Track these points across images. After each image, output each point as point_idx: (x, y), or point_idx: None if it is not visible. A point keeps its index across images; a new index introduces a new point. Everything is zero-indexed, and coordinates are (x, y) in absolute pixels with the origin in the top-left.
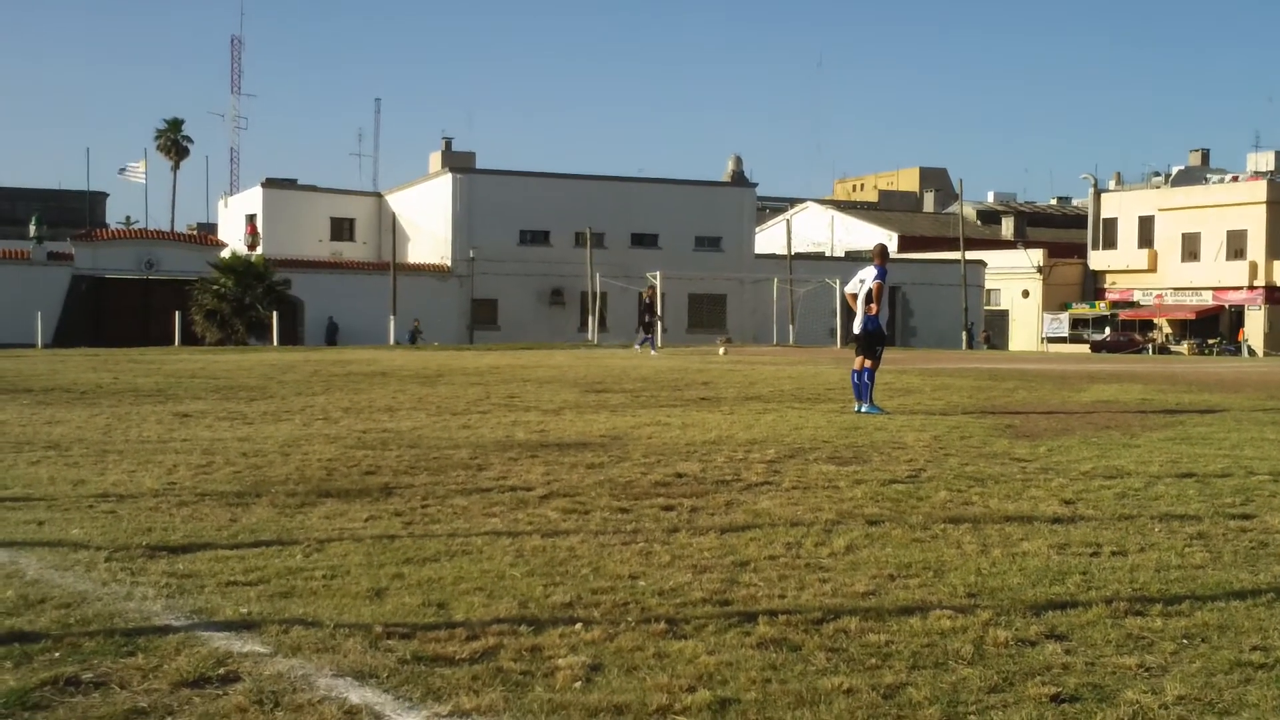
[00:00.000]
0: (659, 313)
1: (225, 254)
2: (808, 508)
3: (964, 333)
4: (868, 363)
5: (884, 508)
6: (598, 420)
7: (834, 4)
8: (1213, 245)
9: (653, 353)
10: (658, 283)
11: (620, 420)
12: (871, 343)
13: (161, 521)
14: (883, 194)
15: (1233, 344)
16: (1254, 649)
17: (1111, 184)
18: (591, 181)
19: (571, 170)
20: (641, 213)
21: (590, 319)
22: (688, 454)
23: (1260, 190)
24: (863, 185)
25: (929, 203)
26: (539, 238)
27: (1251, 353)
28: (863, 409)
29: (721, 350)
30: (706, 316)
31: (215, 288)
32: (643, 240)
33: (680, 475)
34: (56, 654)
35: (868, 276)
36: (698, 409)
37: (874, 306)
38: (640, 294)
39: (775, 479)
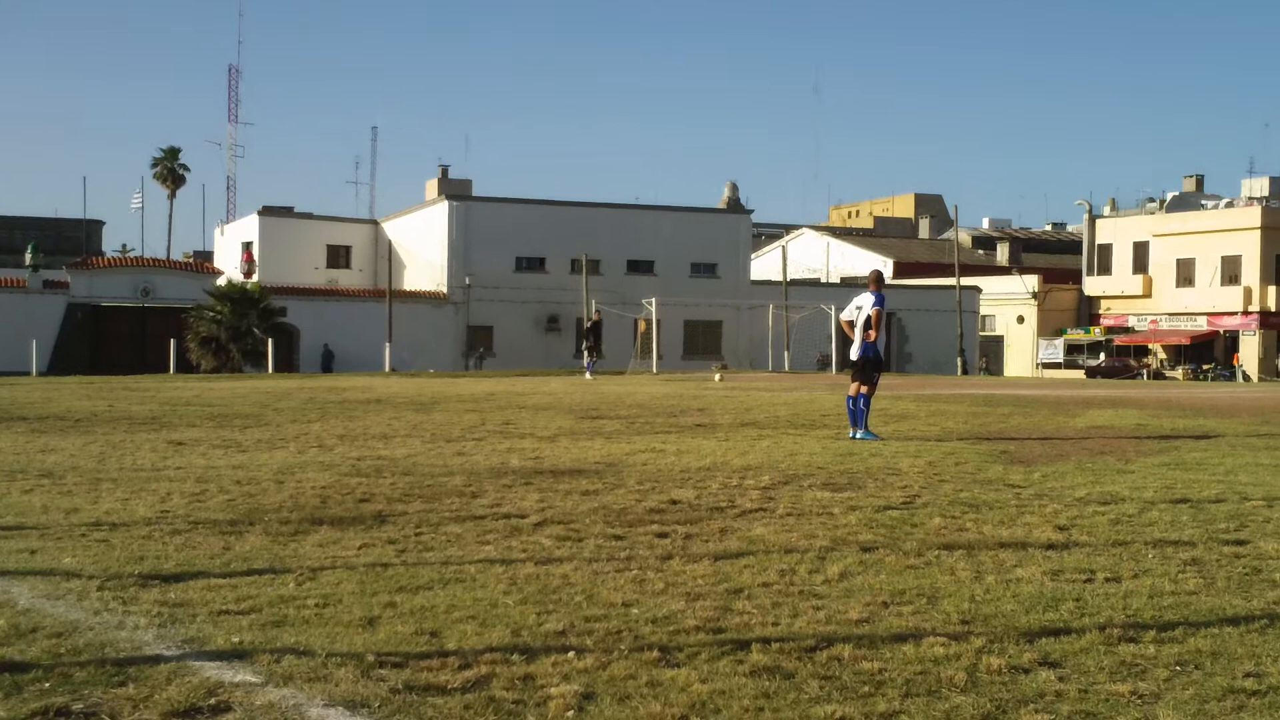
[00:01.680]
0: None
1: (221, 281)
2: (802, 534)
3: (959, 358)
4: (864, 389)
5: (878, 534)
6: (593, 447)
7: (830, 31)
8: (1207, 271)
9: (588, 376)
10: (653, 310)
11: (615, 447)
12: (869, 369)
13: (154, 550)
14: (878, 220)
15: (1227, 369)
16: (1247, 675)
17: (1106, 210)
18: (588, 208)
19: (568, 197)
20: (637, 239)
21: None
22: (682, 480)
23: (1255, 216)
24: (858, 212)
25: (924, 229)
26: (535, 264)
27: (1246, 378)
28: (858, 435)
29: (717, 377)
30: (702, 343)
31: (211, 315)
32: (639, 267)
33: (674, 502)
34: (47, 684)
35: (865, 303)
36: (693, 435)
37: (873, 333)
38: (583, 320)
39: (769, 505)
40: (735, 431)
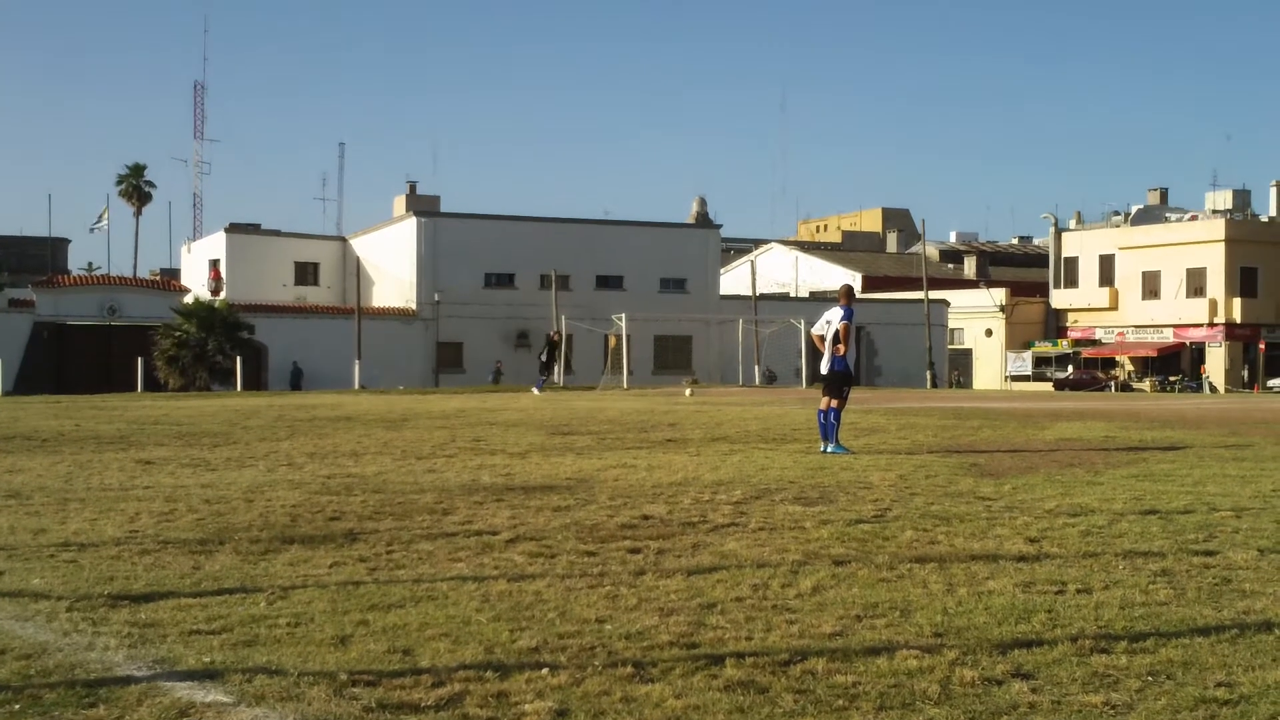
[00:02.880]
0: (551, 356)
1: (189, 299)
2: (774, 549)
3: (928, 371)
4: (834, 403)
5: (850, 548)
6: (564, 463)
7: (795, 44)
8: (1173, 283)
9: (535, 391)
10: (623, 325)
11: (586, 463)
12: (839, 383)
13: (124, 570)
14: (846, 234)
15: (1194, 381)
16: (1219, 685)
17: (1072, 223)
18: (556, 224)
19: (536, 212)
20: (606, 254)
21: (556, 365)
22: (654, 496)
23: (1218, 229)
24: (826, 226)
25: (892, 243)
26: (504, 280)
27: (1213, 389)
28: (829, 449)
29: (688, 391)
30: (672, 358)
31: (178, 333)
32: (608, 282)
33: (647, 517)
34: (17, 706)
35: (834, 317)
36: (664, 451)
37: (842, 347)
38: (549, 334)
39: (742, 520)
40: (706, 446)
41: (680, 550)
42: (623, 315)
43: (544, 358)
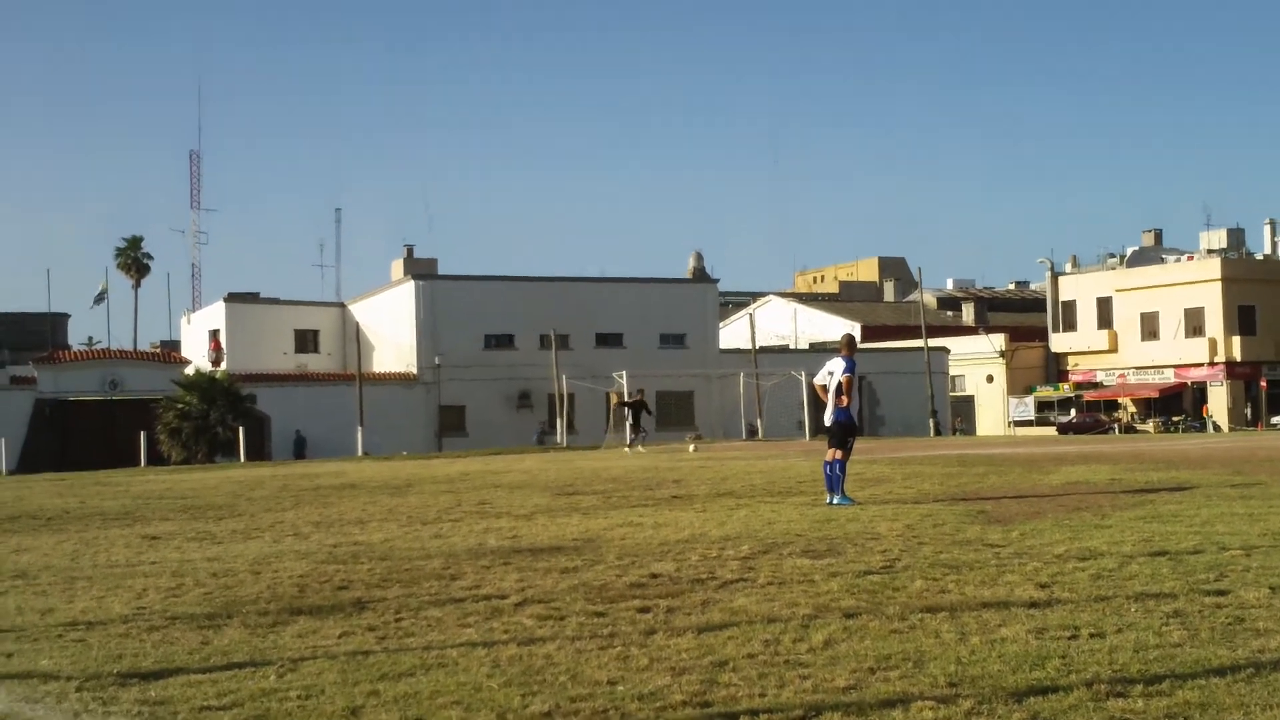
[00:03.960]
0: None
1: (189, 371)
2: (784, 603)
3: (930, 420)
4: (839, 454)
5: (860, 599)
6: (570, 523)
7: (786, 98)
8: (1171, 323)
9: (629, 450)
10: (624, 383)
11: (593, 522)
12: (843, 434)
13: (132, 648)
14: (843, 285)
15: (1198, 420)
16: None
17: (1068, 267)
18: (554, 283)
19: (534, 272)
20: (605, 313)
21: (558, 421)
22: (662, 554)
23: (1214, 268)
24: (823, 277)
25: (889, 292)
26: (504, 341)
27: (1216, 428)
28: (835, 501)
29: (691, 448)
30: (674, 414)
31: (180, 406)
32: (607, 340)
33: (655, 576)
34: None
35: (836, 369)
36: (670, 508)
37: (845, 399)
38: (620, 395)
39: (750, 575)
40: (712, 502)
41: (690, 608)
42: (623, 373)
43: (629, 419)
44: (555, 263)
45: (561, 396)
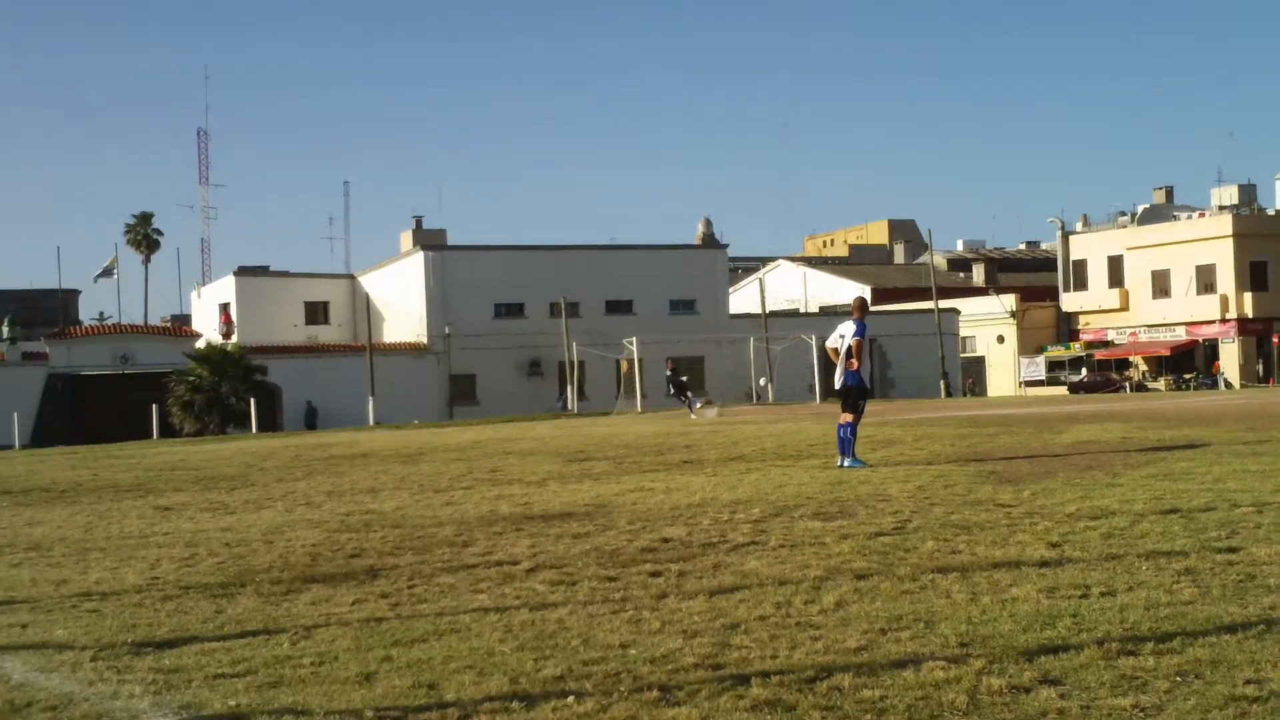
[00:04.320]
0: (679, 378)
1: (200, 344)
2: (795, 565)
3: (942, 381)
4: (850, 417)
5: (872, 561)
6: (582, 490)
7: (795, 60)
8: (1183, 281)
9: (693, 416)
10: (635, 349)
11: (604, 488)
12: (854, 397)
13: (146, 617)
14: (853, 248)
15: (1209, 378)
16: (1248, 683)
17: (1079, 226)
18: (563, 251)
19: (543, 241)
20: (615, 280)
21: (569, 388)
22: (673, 518)
23: (1226, 224)
24: (833, 241)
25: (899, 254)
26: (514, 310)
27: (1228, 385)
28: (846, 463)
29: (714, 412)
30: (689, 378)
31: (191, 379)
32: (618, 307)
33: (666, 540)
34: None
35: (848, 332)
36: (681, 473)
37: (854, 362)
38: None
39: (761, 539)
40: (723, 466)
41: (701, 571)
42: (634, 339)
43: (673, 388)
44: (565, 231)
45: (572, 364)
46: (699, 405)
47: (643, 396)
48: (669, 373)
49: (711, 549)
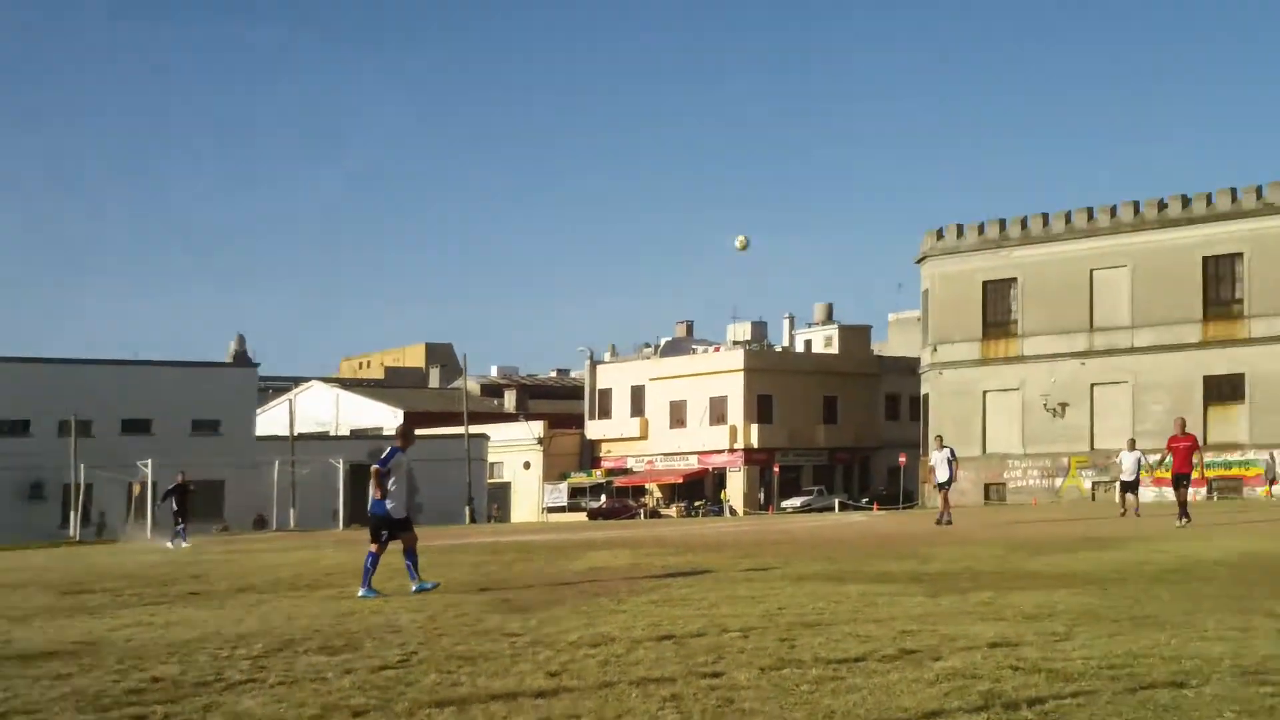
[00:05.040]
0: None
1: None
2: (292, 704)
3: (468, 507)
4: (374, 547)
5: (371, 696)
6: (72, 625)
7: (327, 185)
8: (698, 411)
9: (170, 545)
10: (149, 471)
11: (97, 623)
12: (375, 526)
13: None
14: (389, 370)
15: (716, 505)
16: None
17: (607, 356)
18: (77, 365)
19: (55, 354)
20: (133, 397)
21: (73, 514)
22: (167, 655)
23: (738, 359)
24: (369, 362)
25: (435, 378)
26: (17, 428)
27: (733, 512)
28: (361, 593)
29: (178, 545)
30: (203, 504)
31: None
32: (134, 426)
33: (157, 680)
34: None
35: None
36: (185, 605)
37: (376, 491)
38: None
39: (260, 675)
40: (231, 598)
41: (190, 713)
42: (149, 461)
43: (175, 506)
44: (85, 346)
45: (78, 486)
46: (184, 537)
47: (154, 523)
48: (174, 485)
49: (204, 688)
